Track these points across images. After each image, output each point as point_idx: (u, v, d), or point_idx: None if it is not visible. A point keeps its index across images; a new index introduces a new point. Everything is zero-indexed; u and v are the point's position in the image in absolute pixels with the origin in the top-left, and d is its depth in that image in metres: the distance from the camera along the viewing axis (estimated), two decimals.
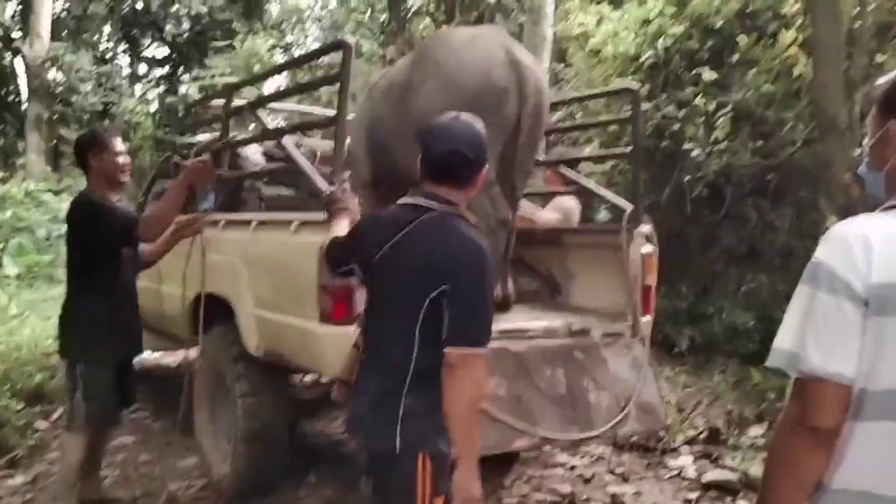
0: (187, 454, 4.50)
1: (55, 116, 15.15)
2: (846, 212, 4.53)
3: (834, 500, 1.36)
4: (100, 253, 3.43)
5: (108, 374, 3.46)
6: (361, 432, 2.22)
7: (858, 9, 5.74)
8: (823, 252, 1.36)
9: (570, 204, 5.06)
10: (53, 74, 14.97)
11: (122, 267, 3.53)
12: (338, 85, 3.26)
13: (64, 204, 12.16)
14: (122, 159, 3.51)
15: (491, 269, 2.18)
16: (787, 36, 6.51)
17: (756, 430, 5.05)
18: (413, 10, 13.02)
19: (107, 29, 18.19)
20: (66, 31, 16.49)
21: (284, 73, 13.19)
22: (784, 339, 1.39)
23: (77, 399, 3.41)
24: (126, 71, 19.03)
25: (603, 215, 7.04)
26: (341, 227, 2.69)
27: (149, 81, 19.99)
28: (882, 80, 1.48)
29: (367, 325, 2.33)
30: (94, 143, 3.51)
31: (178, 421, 3.97)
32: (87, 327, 3.44)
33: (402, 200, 2.26)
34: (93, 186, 3.53)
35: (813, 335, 1.33)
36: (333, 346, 3.05)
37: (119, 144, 3.53)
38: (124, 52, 19.34)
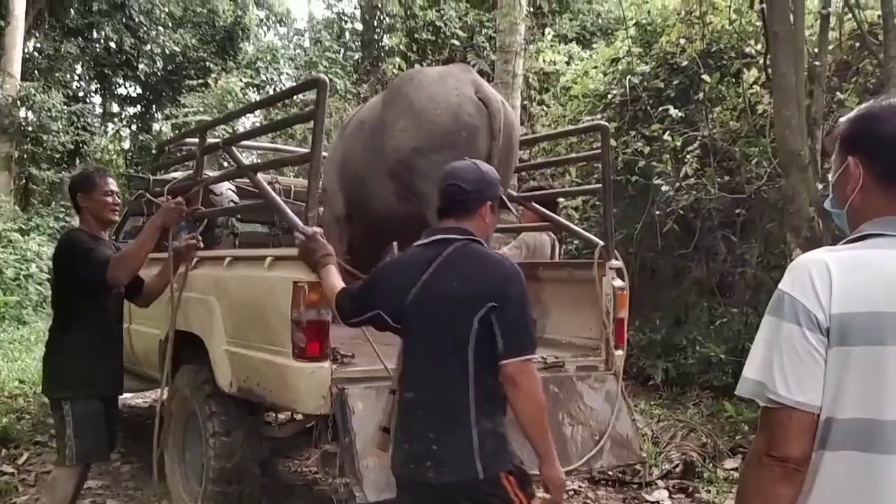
0: (156, 499, 4.39)
1: (25, 156, 15.01)
2: (810, 244, 4.63)
3: None
4: (83, 291, 3.40)
5: (97, 408, 3.43)
6: (434, 468, 2.18)
7: (818, 48, 5.93)
8: (787, 283, 1.39)
9: (540, 239, 5.12)
10: (24, 113, 14.86)
11: (107, 305, 3.51)
12: (312, 122, 3.29)
13: (32, 244, 12.04)
14: (111, 199, 3.52)
15: (525, 283, 2.28)
16: (750, 75, 6.71)
17: (731, 463, 5.07)
18: (385, 49, 13.20)
19: (79, 68, 18.15)
20: (37, 71, 16.44)
21: (258, 112, 13.23)
22: (751, 369, 1.41)
23: (68, 435, 3.35)
24: (98, 109, 18.97)
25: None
26: (333, 276, 2.71)
27: (121, 120, 19.94)
28: (844, 119, 1.53)
29: (408, 366, 2.34)
30: (83, 183, 3.54)
31: (155, 464, 3.87)
32: (72, 364, 3.40)
33: (419, 242, 2.37)
34: (83, 225, 3.53)
35: (779, 365, 1.35)
36: (308, 382, 3.04)
37: (109, 184, 3.54)
38: (97, 90, 19.30)
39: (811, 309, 1.33)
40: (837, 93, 6.19)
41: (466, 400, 2.16)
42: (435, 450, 2.18)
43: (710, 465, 5.04)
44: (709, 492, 4.65)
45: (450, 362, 2.19)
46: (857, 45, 6.49)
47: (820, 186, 5.13)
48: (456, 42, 12.39)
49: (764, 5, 5.57)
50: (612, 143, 6.67)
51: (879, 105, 1.47)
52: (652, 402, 6.39)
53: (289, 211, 3.42)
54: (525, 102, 10.15)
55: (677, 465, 5.07)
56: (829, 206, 1.57)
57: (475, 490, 2.16)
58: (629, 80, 7.74)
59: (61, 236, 3.62)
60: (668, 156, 7.07)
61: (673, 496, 4.71)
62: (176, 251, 3.66)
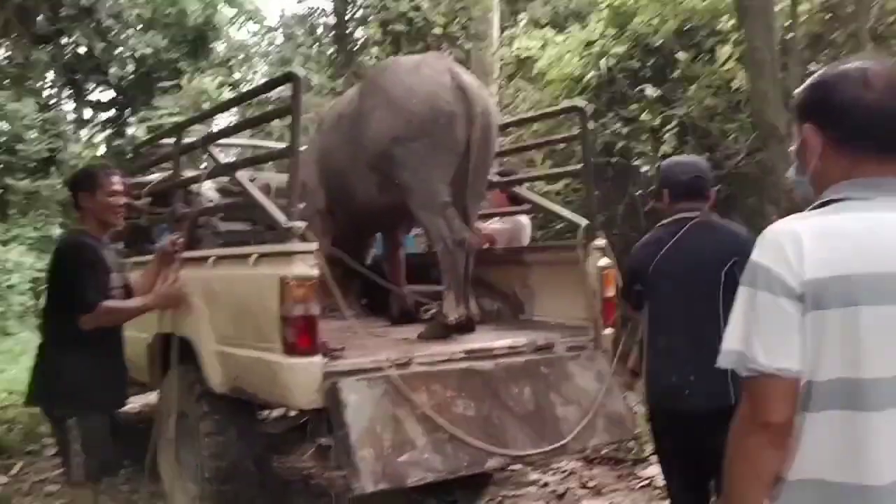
0: (152, 501, 4.39)
1: (0, 166, 14.82)
2: (791, 214, 4.67)
3: (792, 491, 1.39)
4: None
5: (103, 422, 3.29)
6: (692, 397, 2.65)
7: (790, 21, 5.98)
8: (759, 253, 1.41)
9: (524, 221, 5.17)
10: None
11: None
12: (289, 118, 3.28)
13: (11, 254, 11.91)
14: (115, 200, 3.27)
15: None
16: (724, 51, 6.74)
17: None
18: (360, 42, 13.13)
19: (50, 75, 17.92)
20: (8, 80, 16.21)
21: (234, 110, 13.13)
22: (731, 340, 1.44)
23: (76, 451, 3.18)
24: (71, 116, 18.74)
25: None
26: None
27: (95, 125, 19.72)
28: (799, 89, 1.56)
29: (660, 316, 2.85)
30: (86, 181, 3.28)
31: (147, 467, 3.86)
32: (77, 381, 3.20)
33: (663, 222, 2.95)
34: (84, 226, 3.30)
35: (757, 334, 1.38)
36: (299, 377, 3.04)
37: (115, 184, 3.28)
38: (69, 97, 19.07)
39: (784, 277, 1.35)
40: (811, 65, 6.24)
41: (719, 339, 2.39)
42: (693, 380, 2.63)
43: None
44: None
45: (702, 309, 2.64)
46: (829, 16, 6.55)
47: None
48: (430, 31, 12.34)
49: None
50: (591, 124, 6.70)
51: (831, 72, 1.49)
52: (643, 379, 6.43)
53: (271, 207, 3.41)
54: (502, 89, 10.14)
55: None
56: (793, 174, 1.60)
57: (725, 415, 2.40)
58: (604, 62, 7.75)
59: (63, 238, 3.37)
60: (646, 136, 7.10)
61: None
62: (161, 252, 3.59)
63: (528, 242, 5.34)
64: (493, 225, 5.14)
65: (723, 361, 1.45)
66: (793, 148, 1.56)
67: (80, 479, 3.24)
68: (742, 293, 1.43)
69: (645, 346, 2.90)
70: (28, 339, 9.94)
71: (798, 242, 1.36)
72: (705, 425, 2.53)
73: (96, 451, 3.23)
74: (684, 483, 2.91)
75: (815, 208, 1.46)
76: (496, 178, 4.84)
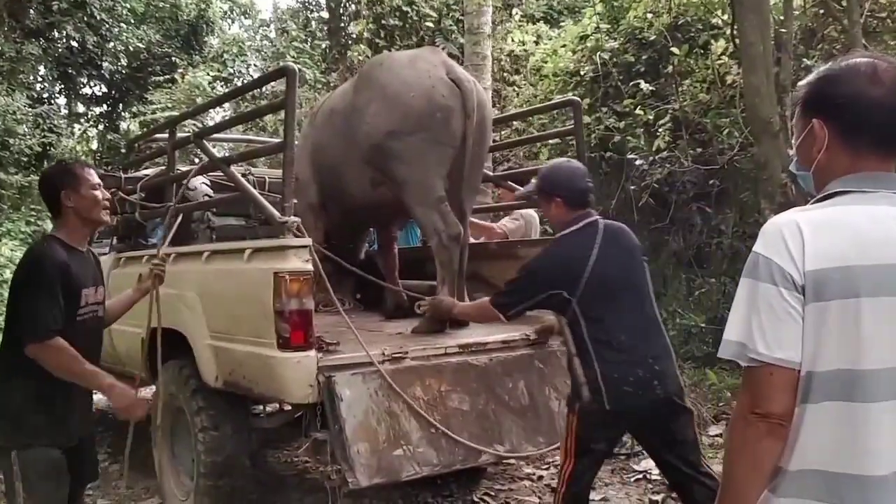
0: (147, 496, 4.39)
1: None
2: (784, 210, 4.67)
3: (792, 481, 1.41)
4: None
5: (54, 458, 2.77)
6: (661, 385, 2.77)
7: (784, 16, 5.98)
8: (761, 245, 1.42)
9: (532, 213, 5.19)
10: None
11: (74, 336, 2.73)
12: (282, 112, 3.28)
13: (5, 249, 11.85)
14: (100, 193, 2.90)
15: None
16: (718, 46, 6.76)
17: (715, 430, 5.15)
18: (353, 36, 13.08)
19: (42, 69, 17.82)
20: None
21: (227, 105, 13.07)
22: (731, 331, 1.44)
23: (17, 491, 2.71)
24: (64, 110, 18.65)
25: None
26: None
27: (88, 120, 19.63)
28: (804, 82, 1.56)
29: (610, 317, 2.79)
30: (67, 177, 2.87)
31: (125, 457, 3.77)
32: (22, 409, 2.75)
33: (574, 227, 2.90)
34: (61, 232, 2.87)
35: (758, 324, 1.38)
36: (294, 372, 3.04)
37: (94, 176, 2.92)
38: (61, 91, 18.97)
39: (786, 268, 1.36)
40: (804, 59, 6.26)
41: (661, 327, 2.91)
42: (658, 370, 2.77)
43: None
44: None
45: (647, 303, 2.88)
46: (822, 11, 6.56)
47: (791, 152, 5.18)
48: (425, 25, 12.32)
49: None
50: (585, 119, 6.71)
51: (838, 66, 1.49)
52: None
53: (265, 202, 3.41)
54: (496, 84, 10.13)
55: None
56: (795, 168, 1.61)
57: (681, 392, 2.89)
58: (599, 56, 7.76)
59: (30, 248, 3.03)
60: (640, 130, 7.12)
61: None
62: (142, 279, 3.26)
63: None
64: (506, 223, 5.16)
65: (723, 352, 1.45)
66: (795, 141, 1.57)
67: None
68: (743, 284, 1.43)
69: (587, 351, 2.76)
70: None
71: (799, 234, 1.37)
72: (669, 409, 2.81)
73: (39, 494, 2.75)
74: (591, 475, 3.02)
75: (817, 201, 1.47)
76: (491, 174, 4.85)
